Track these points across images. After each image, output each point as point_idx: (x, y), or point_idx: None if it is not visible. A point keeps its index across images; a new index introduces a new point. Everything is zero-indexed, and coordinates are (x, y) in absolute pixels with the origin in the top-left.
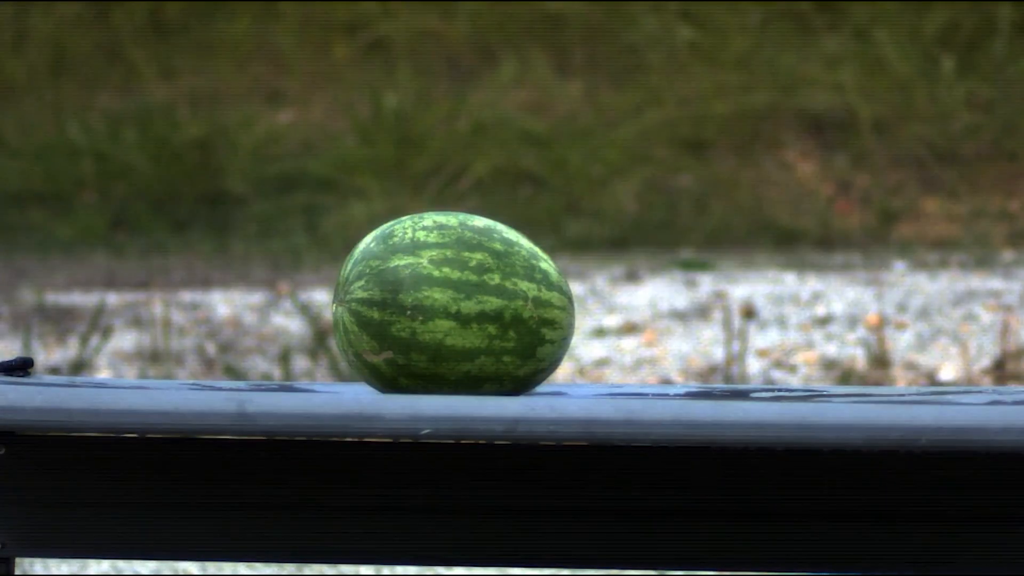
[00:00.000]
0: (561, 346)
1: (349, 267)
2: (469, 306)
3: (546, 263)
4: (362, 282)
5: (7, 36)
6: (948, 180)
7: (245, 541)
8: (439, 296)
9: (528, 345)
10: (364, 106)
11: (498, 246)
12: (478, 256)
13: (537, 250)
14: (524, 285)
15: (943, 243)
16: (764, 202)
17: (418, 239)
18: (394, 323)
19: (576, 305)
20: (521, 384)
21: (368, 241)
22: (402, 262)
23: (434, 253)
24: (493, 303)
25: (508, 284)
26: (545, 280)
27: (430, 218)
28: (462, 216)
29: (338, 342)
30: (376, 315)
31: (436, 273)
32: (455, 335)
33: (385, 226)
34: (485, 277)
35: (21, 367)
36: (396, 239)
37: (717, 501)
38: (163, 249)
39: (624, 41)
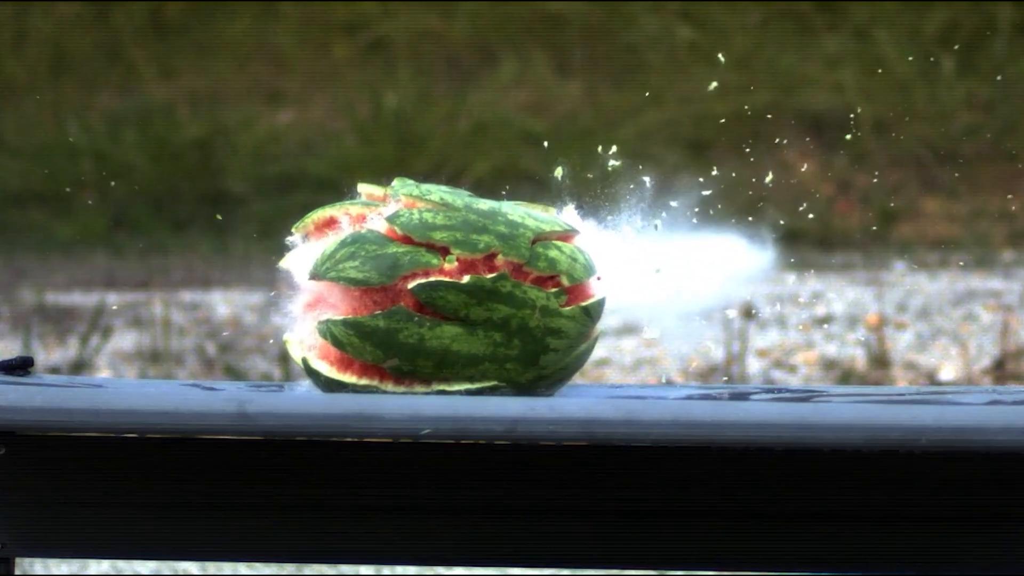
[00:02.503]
0: (567, 354)
1: (335, 245)
2: (479, 312)
3: (556, 250)
4: (356, 263)
5: (7, 36)
6: (948, 180)
7: (245, 541)
8: (453, 298)
9: (531, 353)
10: (364, 106)
11: (503, 228)
12: (485, 239)
13: (544, 227)
14: (534, 294)
15: (943, 243)
16: (764, 202)
17: (425, 220)
18: (402, 330)
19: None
20: (523, 390)
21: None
22: (401, 249)
23: (444, 235)
24: (502, 311)
25: (518, 292)
26: (550, 266)
27: (438, 193)
28: (468, 199)
29: (315, 375)
30: (382, 323)
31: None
32: (461, 341)
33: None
34: (498, 284)
35: (21, 366)
36: (403, 219)
37: (717, 501)
38: (163, 249)
39: (624, 41)
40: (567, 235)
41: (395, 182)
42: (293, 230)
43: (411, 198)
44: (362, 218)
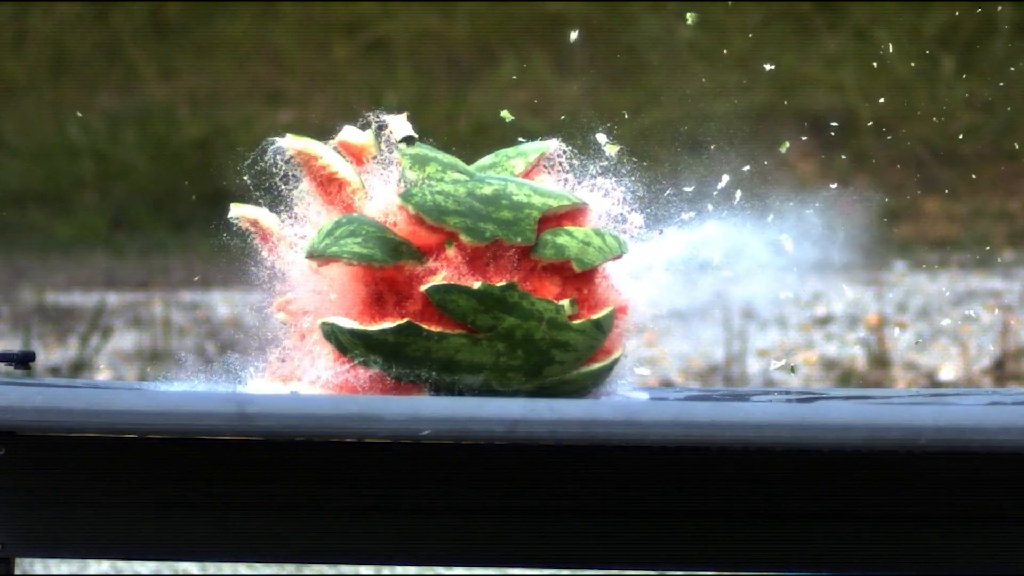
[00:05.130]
0: (574, 367)
1: (331, 224)
2: (485, 320)
3: (566, 235)
4: (359, 239)
5: (7, 36)
6: (948, 180)
7: (245, 541)
8: (463, 303)
9: (535, 364)
10: (364, 106)
11: (506, 214)
12: (491, 228)
13: (552, 203)
14: (542, 306)
15: (943, 243)
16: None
17: (438, 203)
18: (409, 344)
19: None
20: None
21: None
22: (398, 239)
23: (456, 220)
24: (507, 321)
25: (525, 303)
26: (558, 252)
27: (440, 185)
28: (470, 185)
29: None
30: (390, 338)
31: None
32: (465, 351)
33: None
34: (506, 294)
35: (23, 360)
36: (417, 199)
37: (717, 501)
38: (163, 249)
39: (624, 41)
40: (576, 209)
41: (404, 159)
42: (288, 135)
43: (423, 193)
44: (339, 185)
